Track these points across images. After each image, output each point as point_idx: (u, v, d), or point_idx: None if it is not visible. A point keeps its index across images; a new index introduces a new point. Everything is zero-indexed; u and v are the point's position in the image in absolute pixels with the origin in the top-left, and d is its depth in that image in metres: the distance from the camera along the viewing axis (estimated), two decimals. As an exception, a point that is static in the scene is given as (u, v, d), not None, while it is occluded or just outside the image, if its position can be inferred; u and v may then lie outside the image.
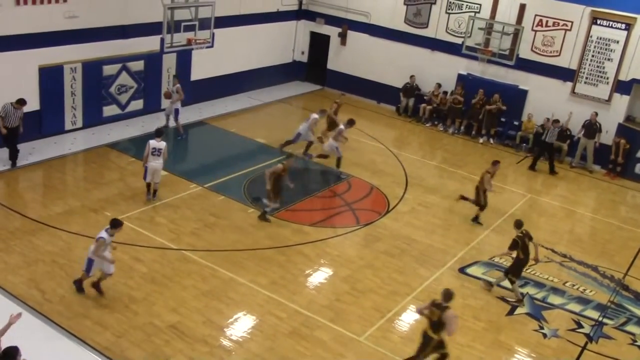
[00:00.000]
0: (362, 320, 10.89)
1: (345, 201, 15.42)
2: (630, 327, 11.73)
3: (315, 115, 17.28)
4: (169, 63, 18.88)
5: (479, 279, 12.56)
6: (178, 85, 17.72)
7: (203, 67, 19.99)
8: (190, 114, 19.05)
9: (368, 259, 12.90)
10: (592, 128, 19.30)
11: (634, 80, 19.09)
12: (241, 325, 10.42)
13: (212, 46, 17.97)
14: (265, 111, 21.43)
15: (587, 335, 11.35)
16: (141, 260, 11.72)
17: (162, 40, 16.65)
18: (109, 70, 17.36)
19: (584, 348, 10.99)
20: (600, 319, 11.85)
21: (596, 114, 19.25)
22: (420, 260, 13.07)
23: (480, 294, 12.15)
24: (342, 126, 16.70)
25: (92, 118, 17.30)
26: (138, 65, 18.08)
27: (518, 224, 12.15)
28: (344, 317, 10.91)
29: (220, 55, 20.01)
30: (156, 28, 16.71)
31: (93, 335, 9.62)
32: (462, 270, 12.85)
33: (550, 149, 18.92)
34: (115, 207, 13.44)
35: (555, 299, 12.34)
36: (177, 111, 17.79)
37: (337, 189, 15.97)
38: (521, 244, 11.89)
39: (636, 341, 11.35)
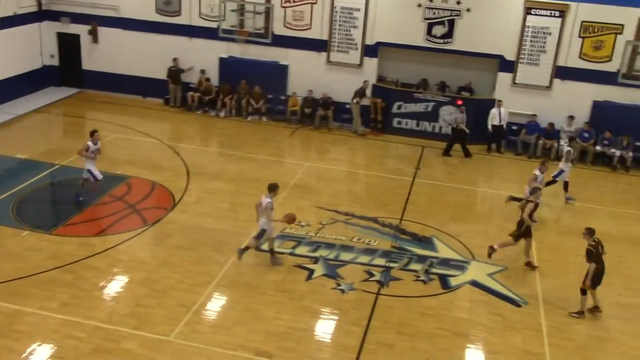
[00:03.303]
0: (168, 319, 10.65)
1: (128, 203, 14.84)
2: (412, 266, 12.96)
3: (536, 172, 14.88)
4: None
5: (271, 252, 12.92)
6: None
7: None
8: None
9: (162, 257, 12.60)
10: (364, 95, 20.65)
11: (378, 44, 20.80)
12: (37, 357, 9.59)
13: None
14: (22, 124, 19.68)
15: (378, 281, 12.33)
16: None
17: None
18: None
19: (378, 294, 11.93)
20: (387, 264, 12.94)
21: (367, 82, 20.60)
22: (216, 247, 13.09)
23: (278, 266, 12.55)
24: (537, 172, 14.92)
25: None
26: None
27: (590, 232, 11.36)
28: (148, 321, 10.58)
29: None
30: None
31: None
32: (257, 248, 13.12)
33: (462, 135, 19.20)
34: None
35: (346, 256, 13.16)
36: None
37: (117, 192, 15.29)
38: (595, 252, 11.21)
39: (419, 277, 12.60)
